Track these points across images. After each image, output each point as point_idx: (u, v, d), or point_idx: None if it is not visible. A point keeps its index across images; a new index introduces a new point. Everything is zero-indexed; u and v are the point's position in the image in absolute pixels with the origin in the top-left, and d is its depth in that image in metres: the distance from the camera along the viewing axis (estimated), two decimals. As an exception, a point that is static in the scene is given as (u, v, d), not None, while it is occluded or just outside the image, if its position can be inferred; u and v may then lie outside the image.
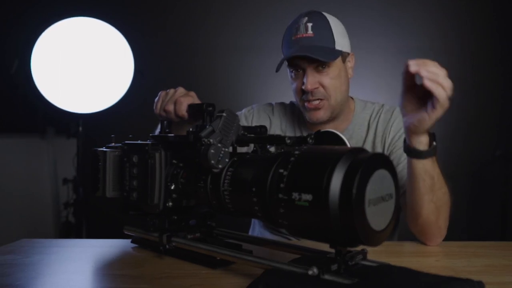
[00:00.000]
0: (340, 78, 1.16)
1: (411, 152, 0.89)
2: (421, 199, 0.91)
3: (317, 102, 1.14)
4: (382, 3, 2.56)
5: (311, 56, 1.09)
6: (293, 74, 1.17)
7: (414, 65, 0.78)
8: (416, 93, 0.83)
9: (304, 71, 1.13)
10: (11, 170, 2.45)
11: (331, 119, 1.19)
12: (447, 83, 0.78)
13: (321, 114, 1.15)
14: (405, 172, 0.97)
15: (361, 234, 0.51)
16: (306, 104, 1.15)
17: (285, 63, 1.17)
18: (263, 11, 2.58)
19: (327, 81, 1.13)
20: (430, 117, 0.82)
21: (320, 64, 1.12)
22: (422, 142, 0.87)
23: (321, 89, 1.13)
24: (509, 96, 2.54)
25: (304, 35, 1.12)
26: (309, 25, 1.13)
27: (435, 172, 0.89)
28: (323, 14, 1.16)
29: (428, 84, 0.78)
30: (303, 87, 1.13)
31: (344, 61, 1.18)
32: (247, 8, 2.61)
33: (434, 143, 0.88)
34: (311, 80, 1.12)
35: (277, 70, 1.16)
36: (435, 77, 0.78)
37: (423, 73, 0.78)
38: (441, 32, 2.51)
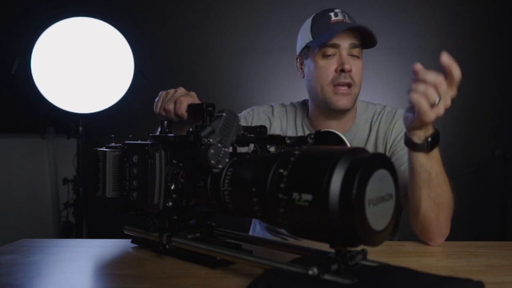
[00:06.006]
0: (362, 72, 1.19)
1: (407, 143, 0.91)
2: (418, 193, 0.92)
3: (346, 87, 1.15)
4: (382, 3, 2.56)
5: (367, 28, 1.12)
6: (326, 57, 1.15)
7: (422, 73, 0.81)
8: None
9: (338, 56, 1.14)
10: (12, 170, 2.46)
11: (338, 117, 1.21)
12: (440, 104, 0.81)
13: (348, 100, 1.16)
14: (407, 174, 0.97)
15: (361, 234, 0.51)
16: (336, 87, 1.15)
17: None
18: (263, 11, 2.58)
19: (356, 69, 1.15)
20: (414, 120, 0.85)
21: (356, 53, 1.15)
22: (416, 135, 0.89)
23: (352, 74, 1.15)
24: (509, 96, 2.54)
25: (345, 20, 1.15)
26: (345, 15, 1.17)
27: (432, 168, 0.90)
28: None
29: (412, 96, 0.82)
30: (344, 67, 1.13)
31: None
32: (247, 8, 2.61)
33: (429, 139, 0.88)
34: (350, 61, 1.14)
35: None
36: (424, 91, 0.80)
37: (414, 85, 0.81)
38: (441, 32, 2.51)
